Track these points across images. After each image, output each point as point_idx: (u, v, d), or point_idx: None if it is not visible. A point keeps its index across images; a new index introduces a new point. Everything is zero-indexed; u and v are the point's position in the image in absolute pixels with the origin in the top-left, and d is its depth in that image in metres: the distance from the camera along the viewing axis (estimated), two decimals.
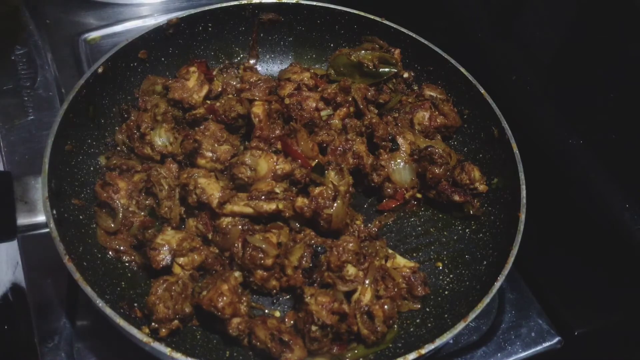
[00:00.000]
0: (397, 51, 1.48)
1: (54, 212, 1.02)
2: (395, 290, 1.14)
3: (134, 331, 0.94)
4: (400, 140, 1.34)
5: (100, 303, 0.95)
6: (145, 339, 0.93)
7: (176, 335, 1.09)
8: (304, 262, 1.14)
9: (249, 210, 1.18)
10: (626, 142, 1.23)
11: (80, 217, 1.17)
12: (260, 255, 1.12)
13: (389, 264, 1.20)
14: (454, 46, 1.42)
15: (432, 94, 1.44)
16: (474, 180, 1.30)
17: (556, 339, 1.25)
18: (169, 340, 1.06)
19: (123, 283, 1.14)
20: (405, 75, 1.49)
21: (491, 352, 1.22)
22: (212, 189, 1.19)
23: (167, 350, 0.92)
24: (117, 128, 1.34)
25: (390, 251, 1.23)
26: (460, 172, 1.31)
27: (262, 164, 1.23)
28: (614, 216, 1.20)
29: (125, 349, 1.15)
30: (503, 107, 1.33)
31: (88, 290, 0.97)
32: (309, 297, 1.08)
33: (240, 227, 1.17)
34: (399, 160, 1.32)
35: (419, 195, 1.36)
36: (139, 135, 1.30)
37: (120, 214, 1.20)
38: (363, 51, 1.47)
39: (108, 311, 0.95)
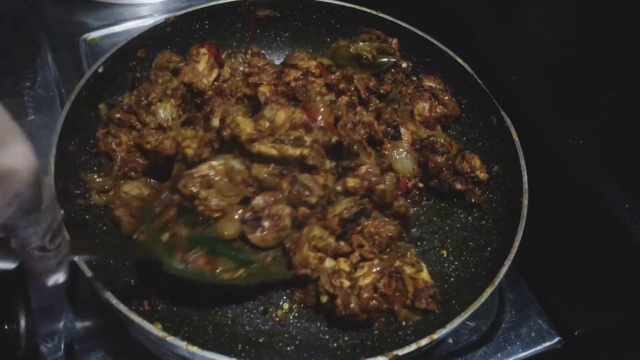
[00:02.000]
0: (395, 41, 1.53)
1: (61, 212, 1.05)
2: (397, 294, 1.18)
3: (149, 327, 0.97)
4: (402, 130, 1.38)
5: (114, 300, 0.99)
6: (160, 334, 0.97)
7: (188, 331, 1.13)
8: (345, 212, 1.20)
9: (274, 152, 1.21)
10: (626, 142, 1.25)
11: (87, 216, 1.20)
12: (306, 192, 1.20)
13: (409, 271, 1.21)
14: (453, 46, 1.45)
15: (431, 84, 1.49)
16: (474, 168, 1.34)
17: (556, 339, 1.28)
18: (183, 335, 1.10)
19: (132, 279, 1.19)
20: (404, 65, 1.53)
21: (491, 352, 1.26)
22: (245, 126, 1.23)
23: (182, 344, 0.96)
24: (126, 92, 1.40)
25: (420, 262, 1.24)
26: (461, 161, 1.35)
27: (281, 114, 1.26)
28: (614, 216, 1.23)
29: (125, 349, 1.18)
30: (503, 107, 1.37)
31: (101, 288, 1.00)
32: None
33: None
34: (401, 150, 1.36)
35: (420, 185, 1.40)
36: (146, 103, 1.36)
37: (118, 167, 1.26)
38: (361, 43, 1.50)
39: (122, 308, 0.99)
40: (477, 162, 1.35)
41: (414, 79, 1.55)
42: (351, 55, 1.51)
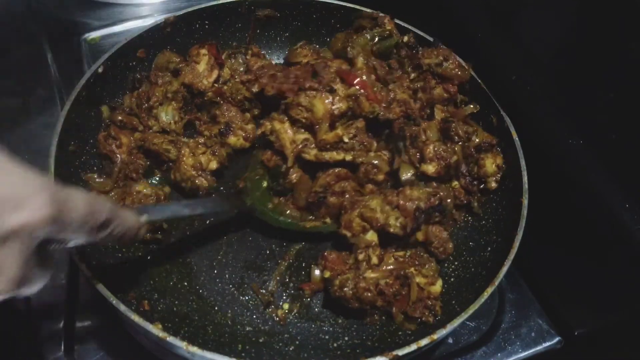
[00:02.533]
0: (387, 18, 1.49)
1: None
2: (397, 298, 1.18)
3: (149, 327, 0.98)
4: (435, 110, 1.39)
5: (114, 300, 1.00)
6: (160, 334, 0.97)
7: (188, 331, 1.14)
8: (422, 204, 1.22)
9: (316, 160, 1.31)
10: (626, 142, 1.25)
11: None
12: (374, 170, 1.28)
13: (419, 280, 1.21)
14: (454, 45, 1.45)
15: (429, 61, 1.43)
16: (485, 174, 1.33)
17: (556, 339, 1.30)
18: (183, 335, 1.11)
19: (131, 279, 1.19)
20: (406, 39, 1.49)
21: (491, 352, 1.27)
22: (284, 139, 1.32)
23: (183, 344, 0.96)
24: (127, 93, 1.42)
25: (437, 277, 1.24)
26: (475, 162, 1.34)
27: (318, 104, 1.30)
28: (614, 216, 1.23)
29: (125, 349, 1.19)
30: (503, 107, 1.37)
31: (101, 288, 1.01)
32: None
33: None
34: (435, 131, 1.35)
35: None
36: (147, 106, 1.39)
37: (118, 168, 1.29)
38: (354, 37, 1.47)
39: (122, 308, 0.99)
40: (489, 168, 1.33)
41: (420, 49, 1.47)
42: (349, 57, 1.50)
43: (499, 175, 1.35)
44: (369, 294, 1.15)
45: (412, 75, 1.46)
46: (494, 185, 1.34)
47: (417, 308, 1.18)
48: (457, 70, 1.42)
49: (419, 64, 1.44)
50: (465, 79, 1.43)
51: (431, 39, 1.49)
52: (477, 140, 1.35)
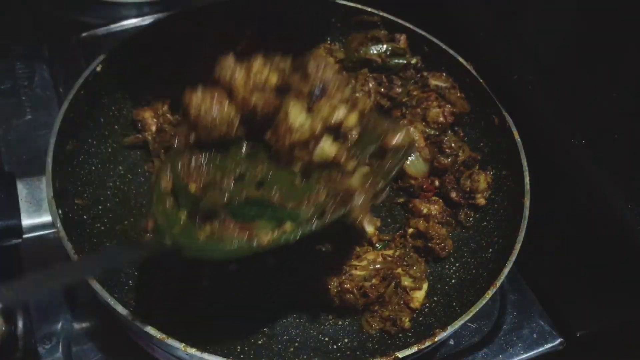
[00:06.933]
0: (403, 37, 1.51)
1: (60, 212, 1.06)
2: (380, 301, 1.19)
3: (147, 328, 0.98)
4: (411, 130, 1.39)
5: (112, 301, 0.99)
6: (159, 335, 0.97)
7: (187, 333, 1.13)
8: None
9: None
10: (629, 142, 1.26)
11: (85, 216, 1.21)
12: None
13: (405, 282, 1.22)
14: (455, 45, 1.45)
15: (437, 83, 1.47)
16: (475, 190, 1.34)
17: (558, 341, 1.30)
18: (181, 337, 1.10)
19: (129, 280, 1.19)
20: (414, 61, 1.51)
21: (492, 354, 1.27)
22: None
23: (181, 346, 0.96)
24: None
25: (423, 280, 1.25)
26: (467, 178, 1.36)
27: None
28: (616, 217, 1.23)
29: (123, 350, 1.19)
30: (505, 106, 1.37)
31: (99, 288, 1.01)
32: None
33: None
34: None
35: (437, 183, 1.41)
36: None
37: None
38: (372, 47, 1.49)
39: (120, 309, 0.99)
40: (481, 185, 1.35)
41: (425, 74, 1.52)
42: (360, 57, 1.51)
43: (488, 192, 1.36)
44: (351, 296, 1.15)
45: (415, 92, 1.48)
46: (482, 201, 1.35)
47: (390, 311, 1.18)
48: (461, 100, 1.45)
49: (426, 83, 1.47)
50: (465, 110, 1.46)
51: (431, 38, 1.49)
52: (462, 156, 1.37)
